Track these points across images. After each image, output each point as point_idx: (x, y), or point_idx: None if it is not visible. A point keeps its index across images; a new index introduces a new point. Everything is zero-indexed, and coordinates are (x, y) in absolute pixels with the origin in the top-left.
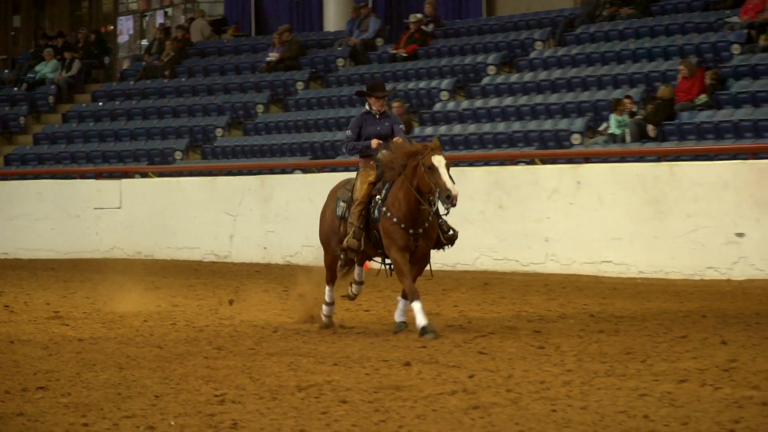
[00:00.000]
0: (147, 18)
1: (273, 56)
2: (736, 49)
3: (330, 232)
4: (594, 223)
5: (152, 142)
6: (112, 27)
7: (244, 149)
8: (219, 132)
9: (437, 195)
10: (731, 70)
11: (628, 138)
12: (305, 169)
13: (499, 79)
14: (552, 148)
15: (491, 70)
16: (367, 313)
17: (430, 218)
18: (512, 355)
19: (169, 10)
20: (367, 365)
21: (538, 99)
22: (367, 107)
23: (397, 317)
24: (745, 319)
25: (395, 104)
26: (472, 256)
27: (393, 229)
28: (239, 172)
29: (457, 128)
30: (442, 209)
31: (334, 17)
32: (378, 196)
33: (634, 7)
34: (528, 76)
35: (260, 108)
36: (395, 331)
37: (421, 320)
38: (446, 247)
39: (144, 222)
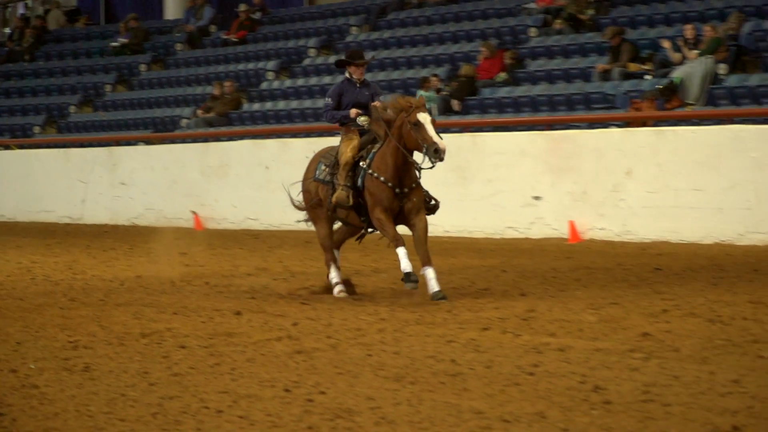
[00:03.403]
0: (9, 9)
1: (120, 42)
2: (533, 32)
3: (310, 198)
4: None
5: (14, 118)
6: None
7: (95, 124)
8: (72, 109)
9: (424, 150)
10: (528, 51)
11: (435, 112)
12: (148, 141)
13: (319, 61)
14: None
15: (312, 52)
16: (202, 268)
17: (419, 179)
18: (331, 306)
19: (29, 2)
20: (202, 314)
21: None
22: (347, 75)
23: (432, 288)
24: (542, 273)
25: (227, 83)
26: (294, 217)
27: (379, 188)
28: (90, 145)
29: (281, 104)
30: (428, 163)
31: (173, 7)
32: (362, 162)
33: None
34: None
35: (108, 87)
36: (435, 298)
37: (406, 266)
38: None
39: (7, 189)
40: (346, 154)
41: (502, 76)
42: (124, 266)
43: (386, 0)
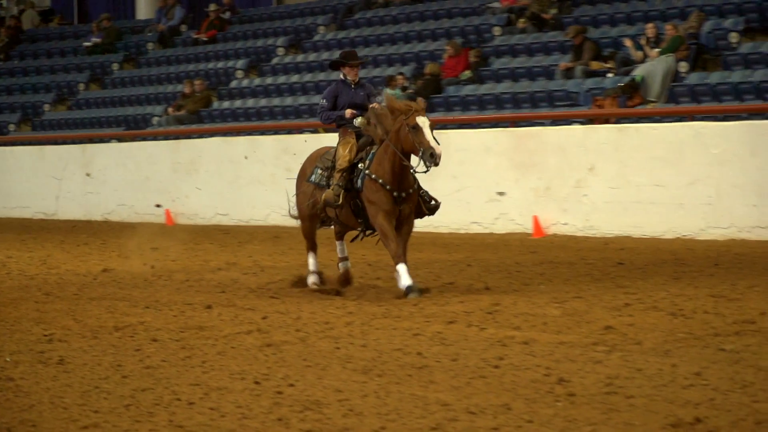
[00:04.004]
0: None
1: (93, 41)
2: (497, 30)
3: (305, 199)
4: None
5: None
6: None
7: (68, 122)
8: (47, 107)
9: (420, 154)
10: (493, 49)
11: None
12: (120, 139)
13: (287, 59)
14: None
15: (280, 51)
16: (173, 263)
17: (414, 185)
18: (300, 299)
19: (3, 2)
20: (174, 308)
21: (321, 76)
22: (341, 77)
23: (403, 282)
24: (506, 267)
25: (197, 82)
26: (264, 212)
27: (379, 193)
28: (64, 142)
29: (250, 102)
30: (422, 167)
31: (144, 7)
32: (361, 164)
33: None
34: (312, 57)
35: (82, 86)
36: (406, 295)
37: (406, 281)
38: (427, 216)
39: None
40: (344, 158)
41: (467, 74)
42: (97, 261)
43: (353, 0)
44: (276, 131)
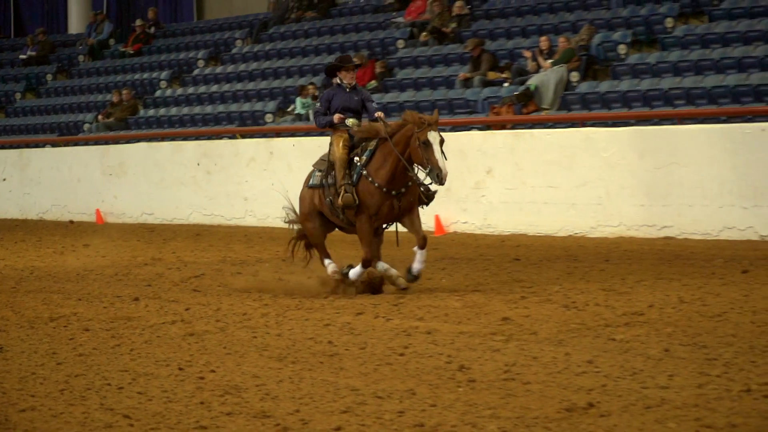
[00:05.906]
0: None
1: (28, 53)
2: (401, 44)
3: (309, 206)
4: (284, 185)
5: None
6: None
7: (6, 128)
8: None
9: (428, 171)
10: (397, 61)
11: (311, 116)
12: (54, 144)
13: (207, 71)
14: (249, 126)
15: (201, 63)
16: (103, 259)
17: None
18: (220, 292)
19: None
20: (104, 300)
21: (239, 86)
22: (338, 81)
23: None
24: (410, 263)
25: (125, 91)
26: (186, 212)
27: (369, 192)
28: (2, 147)
29: (173, 110)
30: (426, 181)
31: (76, 22)
32: (357, 159)
33: (316, 10)
34: (230, 68)
35: (18, 95)
36: (408, 278)
37: (353, 275)
38: (424, 205)
39: None
40: (339, 151)
41: (373, 83)
42: (33, 257)
43: (267, 15)
44: (197, 137)
